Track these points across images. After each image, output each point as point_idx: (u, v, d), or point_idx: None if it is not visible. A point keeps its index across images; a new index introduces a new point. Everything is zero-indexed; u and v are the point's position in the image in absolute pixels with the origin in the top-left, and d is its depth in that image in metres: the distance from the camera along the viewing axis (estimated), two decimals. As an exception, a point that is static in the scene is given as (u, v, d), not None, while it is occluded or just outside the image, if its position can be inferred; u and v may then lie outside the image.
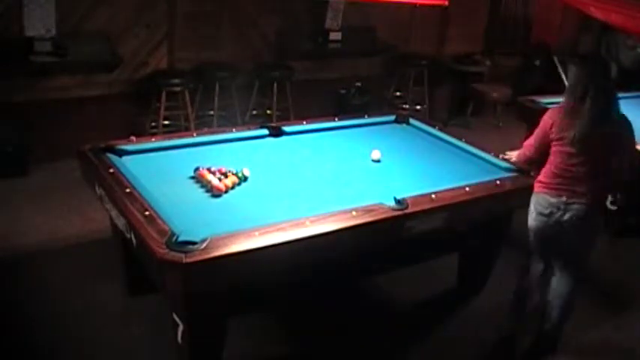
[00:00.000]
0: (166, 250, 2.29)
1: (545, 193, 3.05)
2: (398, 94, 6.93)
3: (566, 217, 3.00)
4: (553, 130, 3.00)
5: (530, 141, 3.17)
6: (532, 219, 3.13)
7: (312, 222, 2.59)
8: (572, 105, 2.99)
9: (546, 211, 3.04)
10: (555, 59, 6.71)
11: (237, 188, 3.00)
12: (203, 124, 5.54)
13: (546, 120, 3.05)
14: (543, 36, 7.73)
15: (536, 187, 3.11)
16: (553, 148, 3.03)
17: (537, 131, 3.10)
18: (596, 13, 4.06)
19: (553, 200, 3.01)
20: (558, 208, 3.01)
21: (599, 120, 2.93)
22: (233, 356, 2.91)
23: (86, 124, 4.92)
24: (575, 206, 2.98)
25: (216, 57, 5.66)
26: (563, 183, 3.00)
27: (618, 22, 4.05)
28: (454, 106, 7.33)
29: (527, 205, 3.18)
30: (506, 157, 3.61)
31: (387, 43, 6.58)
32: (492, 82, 7.21)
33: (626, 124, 3.06)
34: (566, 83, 3.57)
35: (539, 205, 3.07)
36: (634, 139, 3.12)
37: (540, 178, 3.10)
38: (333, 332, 3.37)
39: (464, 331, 3.49)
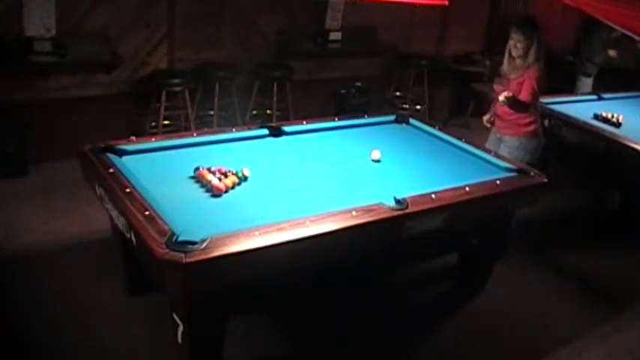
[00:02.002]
0: (166, 250, 2.29)
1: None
2: (398, 94, 6.94)
3: None
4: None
5: (535, 96, 4.04)
6: (539, 144, 4.18)
7: (312, 222, 2.59)
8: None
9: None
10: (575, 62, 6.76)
11: (237, 188, 3.00)
12: (203, 124, 5.54)
13: (543, 81, 4.01)
14: (543, 36, 7.71)
15: (537, 130, 4.16)
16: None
17: (538, 89, 3.99)
18: (608, 16, 4.02)
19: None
20: None
21: None
22: (233, 356, 2.91)
23: (86, 124, 4.92)
24: None
25: (216, 57, 5.66)
26: None
27: (630, 26, 4.02)
28: (454, 106, 7.33)
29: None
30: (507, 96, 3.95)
31: (387, 43, 6.59)
32: (492, 82, 7.19)
33: None
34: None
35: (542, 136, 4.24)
36: None
37: (538, 126, 4.17)
38: (333, 332, 3.38)
39: (464, 331, 3.49)
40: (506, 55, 4.16)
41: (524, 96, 3.97)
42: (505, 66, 4.19)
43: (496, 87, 4.28)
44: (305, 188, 3.10)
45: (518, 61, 4.08)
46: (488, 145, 4.15)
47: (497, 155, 3.73)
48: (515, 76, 4.08)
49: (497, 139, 4.29)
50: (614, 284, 4.13)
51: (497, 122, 4.28)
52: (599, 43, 6.47)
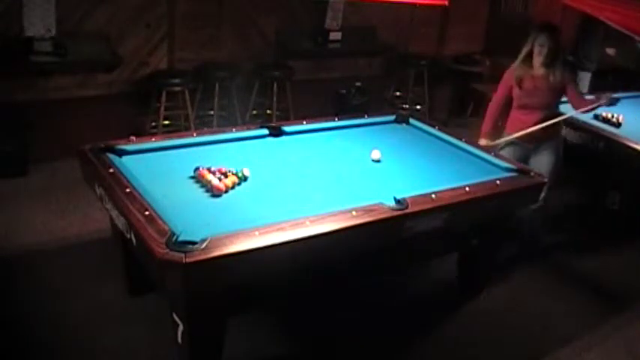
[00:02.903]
0: (166, 250, 2.29)
1: None
2: (398, 94, 6.93)
3: None
4: None
5: None
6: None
7: (312, 222, 2.59)
8: None
9: None
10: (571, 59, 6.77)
11: (237, 188, 3.00)
12: (203, 124, 5.54)
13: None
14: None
15: None
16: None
17: None
18: (613, 17, 4.01)
19: None
20: None
21: None
22: (233, 356, 2.91)
23: (86, 124, 4.92)
24: None
25: (216, 57, 5.67)
26: None
27: (630, 26, 4.00)
28: (454, 106, 7.33)
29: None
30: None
31: (387, 43, 6.59)
32: (492, 82, 7.20)
33: None
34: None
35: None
36: None
37: None
38: (333, 332, 3.38)
39: (464, 331, 3.50)
40: (520, 61, 4.04)
41: (582, 96, 4.26)
42: (519, 72, 4.05)
43: (532, 99, 4.04)
44: (305, 188, 3.10)
45: (543, 69, 3.94)
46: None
47: (497, 155, 3.73)
48: (554, 86, 4.00)
49: (526, 150, 4.12)
50: (614, 284, 4.13)
51: (531, 135, 4.04)
52: (596, 41, 6.49)
